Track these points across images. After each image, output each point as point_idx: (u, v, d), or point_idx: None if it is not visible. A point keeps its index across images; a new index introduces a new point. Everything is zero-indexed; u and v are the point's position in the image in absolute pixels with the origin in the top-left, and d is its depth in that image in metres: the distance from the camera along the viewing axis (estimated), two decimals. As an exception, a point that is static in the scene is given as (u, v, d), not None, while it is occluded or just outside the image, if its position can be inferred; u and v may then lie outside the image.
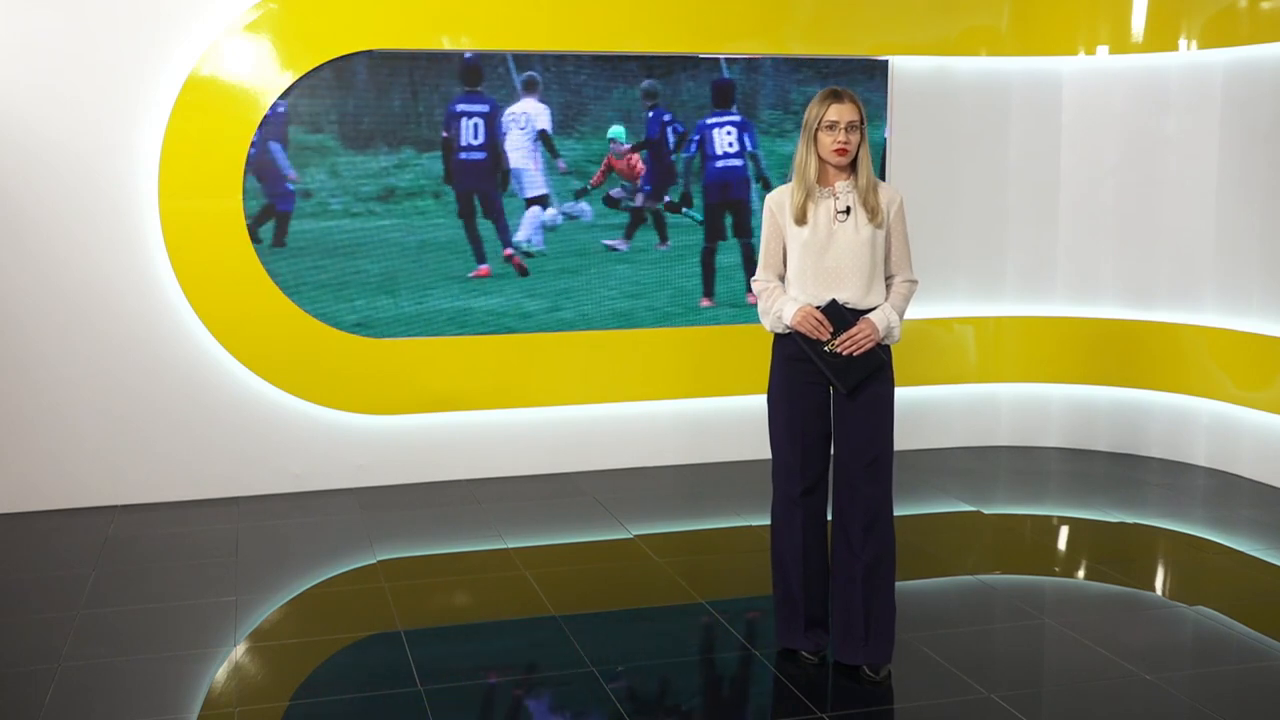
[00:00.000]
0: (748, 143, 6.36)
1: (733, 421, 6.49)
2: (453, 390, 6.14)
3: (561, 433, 6.33)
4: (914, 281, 3.89)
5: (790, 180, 3.84)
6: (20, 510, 5.70)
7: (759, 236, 4.42)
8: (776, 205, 3.82)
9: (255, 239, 5.74)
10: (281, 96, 5.73)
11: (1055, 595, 4.69)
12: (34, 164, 5.52)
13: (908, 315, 4.31)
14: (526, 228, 6.15)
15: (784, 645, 3.98)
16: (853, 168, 3.75)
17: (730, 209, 6.40)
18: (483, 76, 6.00)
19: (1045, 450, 6.85)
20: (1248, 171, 6.11)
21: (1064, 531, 5.57)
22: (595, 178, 6.19)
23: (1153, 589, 4.76)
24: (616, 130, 6.16)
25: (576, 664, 3.96)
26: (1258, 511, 5.68)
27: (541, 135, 6.11)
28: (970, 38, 6.59)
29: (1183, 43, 6.26)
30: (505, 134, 6.08)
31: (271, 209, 5.77)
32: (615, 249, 6.23)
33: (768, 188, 6.29)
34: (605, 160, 6.18)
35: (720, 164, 6.38)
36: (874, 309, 3.77)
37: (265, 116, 5.71)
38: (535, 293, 6.17)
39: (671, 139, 6.31)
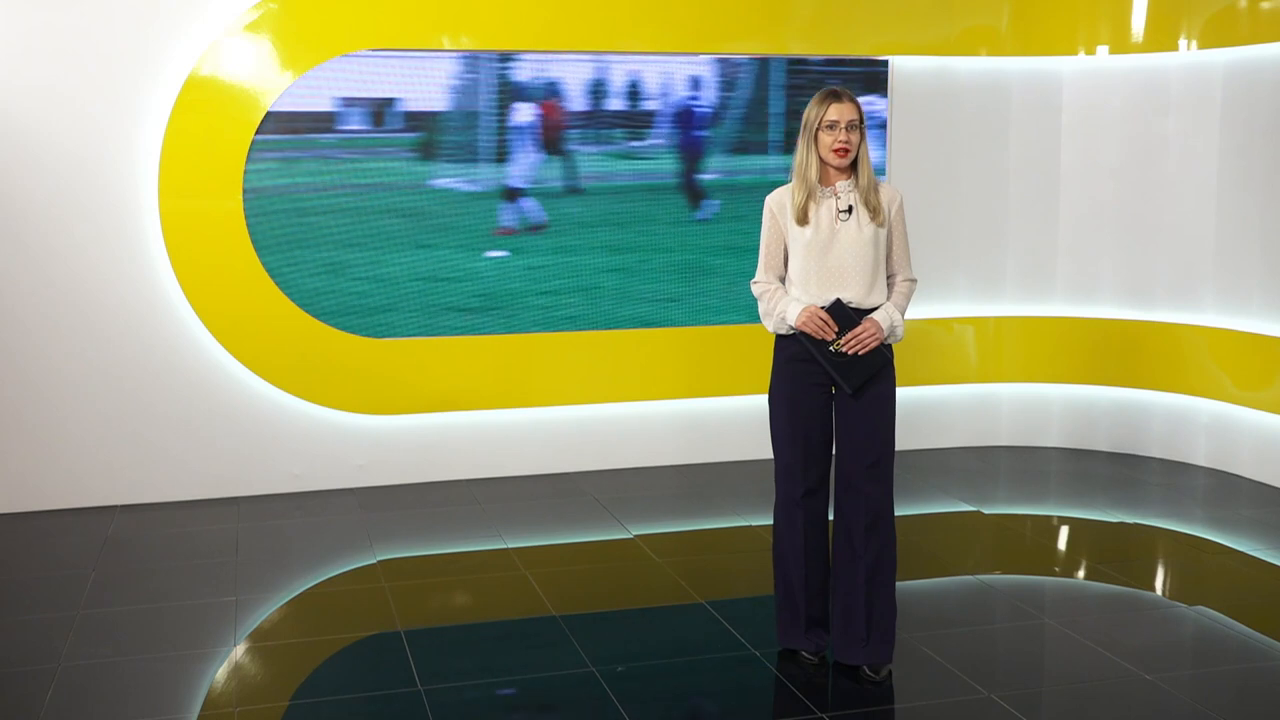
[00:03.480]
0: None
1: (732, 421, 6.49)
2: (453, 390, 6.14)
3: (561, 433, 6.33)
4: (914, 280, 3.89)
5: (790, 181, 3.84)
6: (20, 510, 5.70)
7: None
8: (777, 206, 3.82)
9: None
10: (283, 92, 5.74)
11: (1055, 595, 4.69)
12: (34, 164, 5.52)
13: (907, 315, 4.31)
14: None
15: (785, 645, 3.99)
16: (853, 167, 3.75)
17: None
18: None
19: (1045, 450, 6.85)
20: (1248, 171, 6.11)
21: (1064, 531, 5.57)
22: None
23: (1153, 589, 4.76)
24: None
25: (576, 664, 3.96)
26: (1258, 511, 5.68)
27: None
28: (970, 38, 6.59)
29: (1183, 43, 6.26)
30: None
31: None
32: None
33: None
34: None
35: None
36: (876, 308, 3.77)
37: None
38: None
39: None
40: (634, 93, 6.24)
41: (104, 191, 5.61)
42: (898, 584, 3.89)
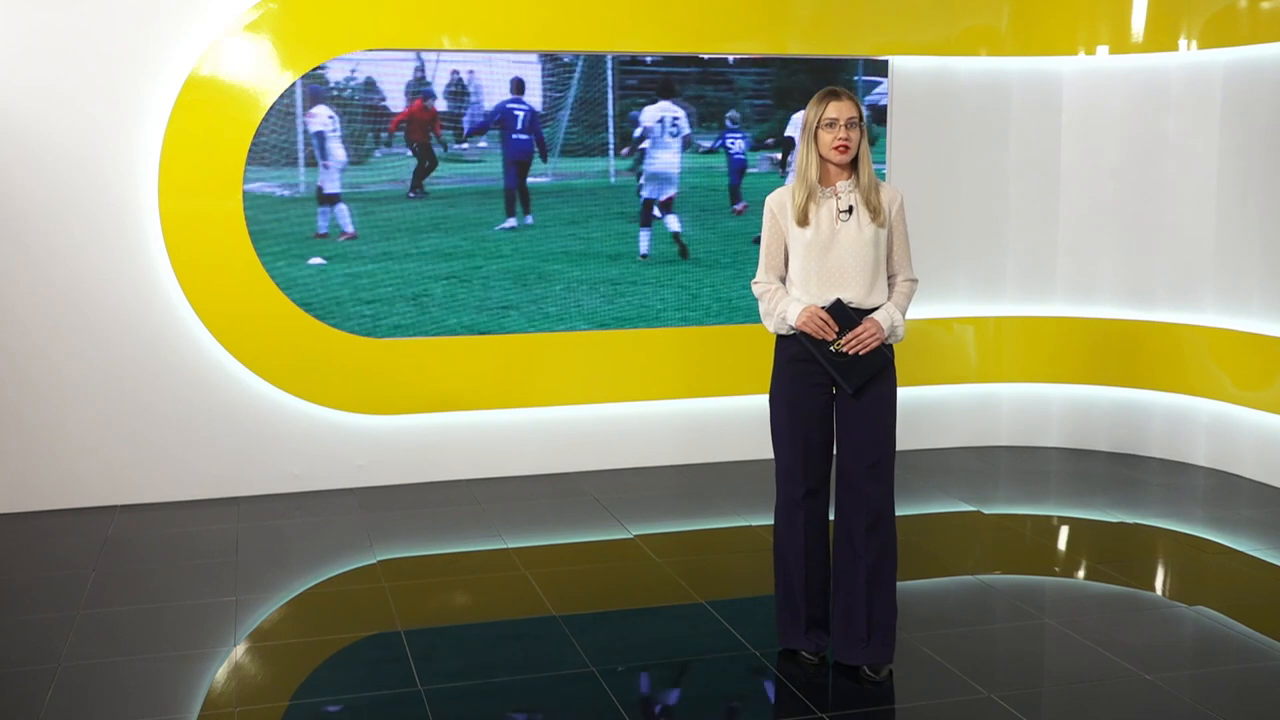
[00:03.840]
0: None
1: (733, 421, 6.49)
2: (453, 390, 6.14)
3: (561, 433, 6.33)
4: (915, 281, 3.89)
5: (790, 181, 3.84)
6: (20, 510, 5.70)
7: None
8: (778, 206, 3.82)
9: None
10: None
11: (1055, 595, 4.69)
12: (34, 164, 5.52)
13: (908, 315, 4.31)
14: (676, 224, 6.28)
15: (785, 645, 3.99)
16: (853, 167, 3.75)
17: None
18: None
19: (1045, 450, 6.85)
20: (1248, 171, 6.11)
21: (1064, 531, 5.57)
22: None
23: (1153, 589, 4.76)
24: None
25: (576, 664, 3.96)
26: (1258, 511, 5.68)
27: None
28: (970, 38, 6.59)
29: (1183, 43, 6.26)
30: (655, 136, 6.12)
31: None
32: None
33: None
34: None
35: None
36: (877, 308, 3.77)
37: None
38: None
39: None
40: (461, 92, 6.05)
41: (104, 191, 5.61)
42: (898, 584, 3.88)
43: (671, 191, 6.31)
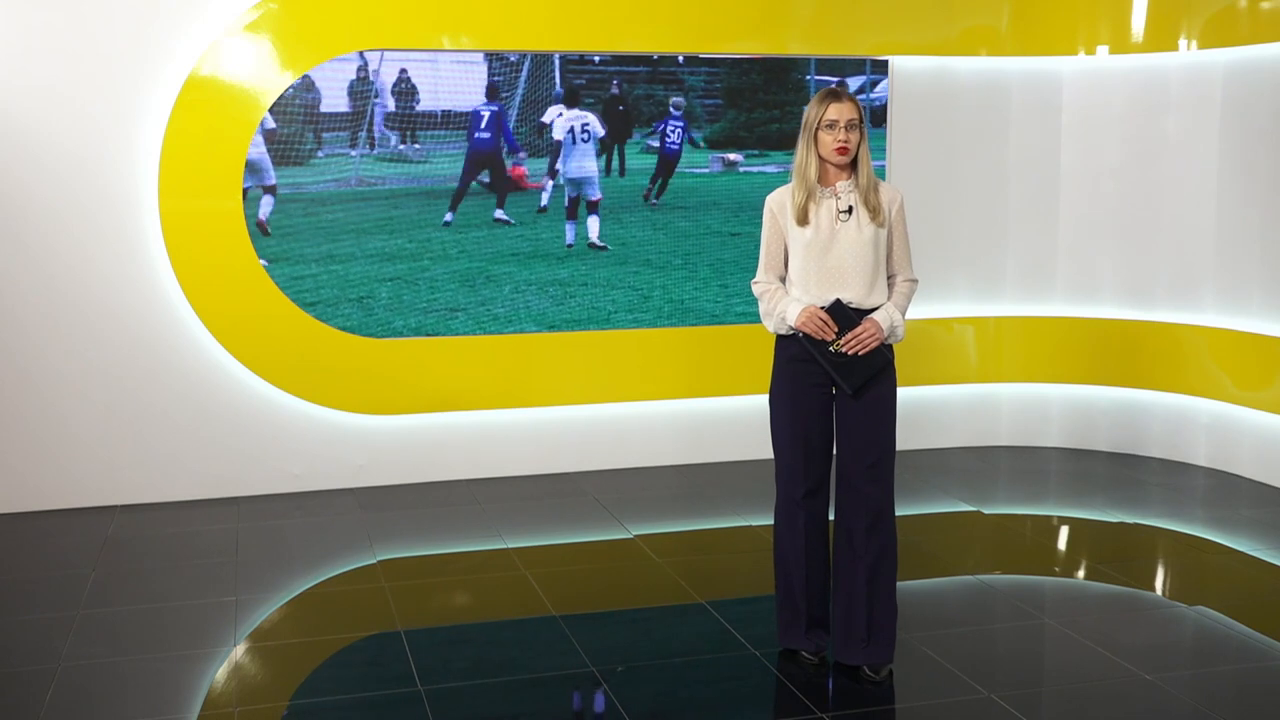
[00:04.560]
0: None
1: (733, 421, 6.49)
2: (453, 390, 6.14)
3: (561, 433, 6.33)
4: (915, 281, 3.89)
5: (790, 181, 3.84)
6: (20, 510, 5.70)
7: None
8: (777, 206, 3.83)
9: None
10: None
11: (1055, 595, 4.69)
12: (34, 164, 5.52)
13: (908, 315, 4.31)
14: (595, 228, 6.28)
15: (785, 645, 3.99)
16: (853, 167, 3.75)
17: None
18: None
19: (1045, 450, 6.85)
20: (1248, 171, 6.11)
21: (1064, 531, 5.57)
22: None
23: (1153, 589, 4.76)
24: None
25: (576, 664, 3.96)
26: (1258, 511, 5.68)
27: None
28: (970, 38, 6.59)
29: (1183, 43, 6.26)
30: (567, 145, 6.12)
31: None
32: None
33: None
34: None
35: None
36: (877, 308, 3.77)
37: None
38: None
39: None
40: (408, 93, 6.00)
41: (104, 191, 5.61)
42: (898, 584, 3.89)
43: (595, 195, 6.30)
